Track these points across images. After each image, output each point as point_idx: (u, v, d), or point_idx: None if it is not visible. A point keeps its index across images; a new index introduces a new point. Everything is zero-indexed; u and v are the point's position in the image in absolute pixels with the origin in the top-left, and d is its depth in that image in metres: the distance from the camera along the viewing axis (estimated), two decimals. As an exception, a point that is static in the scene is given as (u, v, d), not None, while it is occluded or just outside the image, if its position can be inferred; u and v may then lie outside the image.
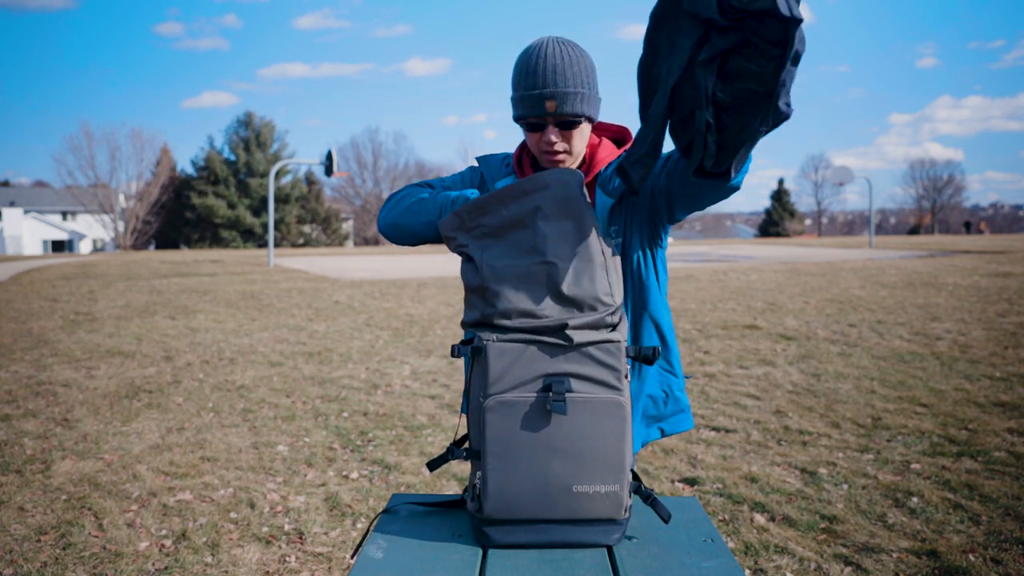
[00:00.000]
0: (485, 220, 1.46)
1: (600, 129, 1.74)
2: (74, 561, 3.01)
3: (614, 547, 1.40)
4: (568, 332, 1.37)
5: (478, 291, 1.42)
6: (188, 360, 7.19)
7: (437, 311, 10.58)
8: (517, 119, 1.61)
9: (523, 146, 1.74)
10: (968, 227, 60.21)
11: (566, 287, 1.39)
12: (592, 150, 1.69)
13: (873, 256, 22.24)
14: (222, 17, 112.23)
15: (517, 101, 1.59)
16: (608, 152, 1.68)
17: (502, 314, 1.38)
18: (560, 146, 1.59)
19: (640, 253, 1.66)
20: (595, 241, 1.45)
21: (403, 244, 1.72)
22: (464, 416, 1.55)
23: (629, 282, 1.67)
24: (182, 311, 11.04)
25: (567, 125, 1.57)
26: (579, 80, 1.55)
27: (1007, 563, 2.82)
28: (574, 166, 1.67)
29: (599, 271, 1.42)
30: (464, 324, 1.45)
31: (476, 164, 1.81)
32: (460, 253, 1.48)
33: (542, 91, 1.54)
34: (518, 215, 1.45)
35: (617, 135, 1.74)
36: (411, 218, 1.66)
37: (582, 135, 1.61)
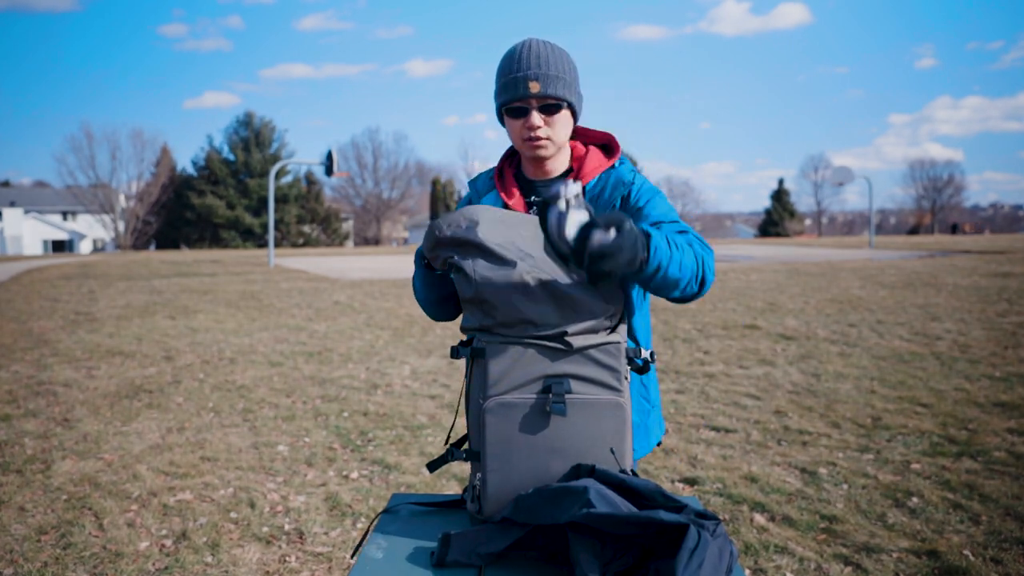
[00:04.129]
0: (460, 232, 1.41)
1: (586, 137, 1.70)
2: (74, 561, 3.01)
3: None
4: (567, 339, 1.37)
5: (474, 302, 1.39)
6: (188, 360, 7.19)
7: (437, 311, 10.58)
8: (500, 107, 1.58)
9: (504, 159, 1.72)
10: (955, 229, 60.61)
11: (562, 293, 1.37)
12: (580, 161, 1.65)
13: (873, 256, 22.23)
14: (226, 18, 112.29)
15: (500, 90, 1.57)
16: (597, 163, 1.63)
17: (501, 324, 1.38)
18: (543, 131, 1.56)
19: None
20: None
21: (447, 319, 1.69)
22: (465, 418, 1.55)
23: None
24: (182, 311, 11.04)
25: (550, 109, 1.55)
26: (562, 68, 1.55)
27: (1007, 563, 2.82)
28: (560, 165, 1.65)
29: None
30: (463, 329, 1.44)
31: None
32: (449, 265, 1.42)
33: (526, 73, 1.53)
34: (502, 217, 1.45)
35: (604, 142, 1.69)
36: (421, 293, 1.65)
37: (564, 123, 1.58)
